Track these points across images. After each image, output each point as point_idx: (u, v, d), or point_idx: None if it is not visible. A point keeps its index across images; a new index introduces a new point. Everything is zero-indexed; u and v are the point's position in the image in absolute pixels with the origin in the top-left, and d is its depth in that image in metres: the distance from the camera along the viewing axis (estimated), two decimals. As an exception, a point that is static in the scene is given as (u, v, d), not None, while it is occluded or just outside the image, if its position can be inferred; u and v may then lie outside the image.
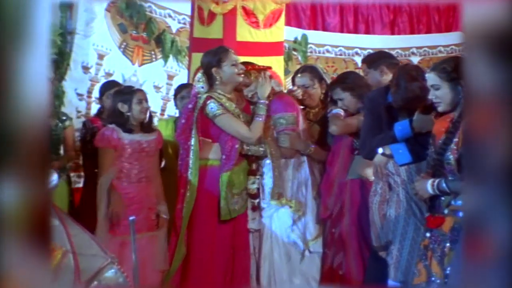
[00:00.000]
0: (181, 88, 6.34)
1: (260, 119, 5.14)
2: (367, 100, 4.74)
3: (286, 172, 5.25)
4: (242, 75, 5.20)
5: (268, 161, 5.26)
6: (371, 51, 7.94)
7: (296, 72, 5.77)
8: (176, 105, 6.34)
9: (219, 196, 5.25)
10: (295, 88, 5.60)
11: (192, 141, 5.15)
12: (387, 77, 5.00)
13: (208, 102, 5.10)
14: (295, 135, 5.27)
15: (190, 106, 5.21)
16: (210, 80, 5.21)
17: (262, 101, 5.18)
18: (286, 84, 7.87)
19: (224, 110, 5.10)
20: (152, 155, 5.58)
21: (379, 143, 4.44)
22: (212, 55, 5.24)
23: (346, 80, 5.24)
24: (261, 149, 5.20)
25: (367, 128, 4.63)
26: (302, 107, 5.61)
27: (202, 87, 5.20)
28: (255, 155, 5.27)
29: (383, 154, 4.37)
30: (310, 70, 5.67)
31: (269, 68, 5.45)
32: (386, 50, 6.42)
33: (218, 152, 5.21)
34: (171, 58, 8.64)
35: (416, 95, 4.29)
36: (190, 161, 5.16)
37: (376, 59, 5.25)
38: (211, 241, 5.27)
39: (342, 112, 5.20)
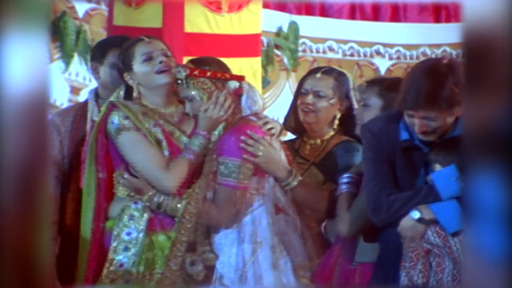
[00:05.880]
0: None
1: (188, 156, 4.66)
2: (368, 135, 4.28)
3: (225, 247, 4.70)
4: (167, 73, 4.61)
5: (229, 230, 4.66)
6: (401, 49, 8.35)
7: (315, 70, 5.29)
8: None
9: None
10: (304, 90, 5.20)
11: (83, 181, 4.61)
12: None
13: (111, 113, 4.62)
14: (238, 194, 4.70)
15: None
16: (127, 92, 4.72)
17: (200, 131, 4.69)
18: (266, 102, 7.64)
19: (131, 126, 4.58)
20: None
21: (407, 204, 4.01)
22: (118, 53, 4.78)
23: (394, 83, 4.64)
24: (179, 205, 4.59)
25: (375, 180, 4.18)
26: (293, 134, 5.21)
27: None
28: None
29: (420, 220, 3.92)
30: (338, 75, 5.20)
31: (241, 78, 4.89)
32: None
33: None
34: (76, 58, 7.81)
35: (436, 94, 3.86)
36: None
37: None
38: None
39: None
